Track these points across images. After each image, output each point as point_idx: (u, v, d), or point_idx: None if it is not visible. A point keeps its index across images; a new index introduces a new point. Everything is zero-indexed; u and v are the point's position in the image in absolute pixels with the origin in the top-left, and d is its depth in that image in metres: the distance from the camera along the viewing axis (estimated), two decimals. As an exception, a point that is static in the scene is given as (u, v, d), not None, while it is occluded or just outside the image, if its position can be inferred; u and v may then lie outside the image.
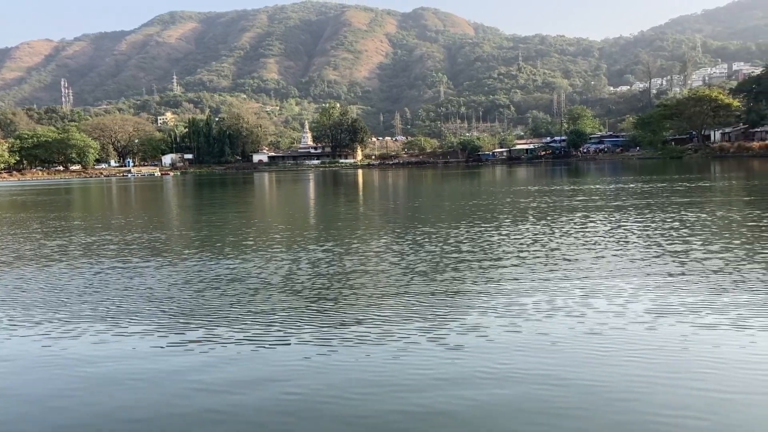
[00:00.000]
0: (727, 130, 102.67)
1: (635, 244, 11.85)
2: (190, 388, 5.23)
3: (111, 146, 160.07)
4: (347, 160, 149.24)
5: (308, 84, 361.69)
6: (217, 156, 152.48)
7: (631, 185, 31.27)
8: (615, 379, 5.13)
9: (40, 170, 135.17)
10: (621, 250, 11.22)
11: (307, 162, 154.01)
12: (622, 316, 6.89)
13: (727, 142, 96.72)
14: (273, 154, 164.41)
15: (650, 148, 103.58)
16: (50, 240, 15.85)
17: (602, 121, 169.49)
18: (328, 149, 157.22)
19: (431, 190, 37.36)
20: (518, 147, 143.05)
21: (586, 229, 14.26)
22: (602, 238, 12.72)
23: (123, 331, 6.96)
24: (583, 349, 5.86)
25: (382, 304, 7.81)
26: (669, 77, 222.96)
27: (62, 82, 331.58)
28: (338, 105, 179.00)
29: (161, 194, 45.80)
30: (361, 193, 36.79)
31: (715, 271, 9.01)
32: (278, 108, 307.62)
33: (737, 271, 9.01)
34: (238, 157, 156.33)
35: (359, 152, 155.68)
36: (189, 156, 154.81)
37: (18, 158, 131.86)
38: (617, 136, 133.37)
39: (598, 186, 32.66)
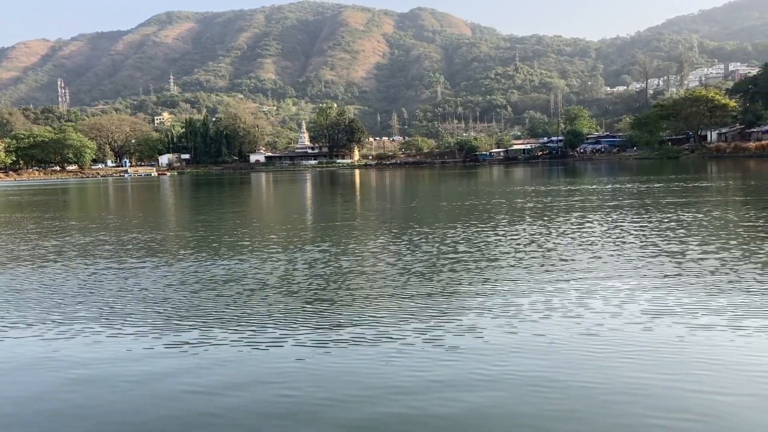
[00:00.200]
0: (724, 130, 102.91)
1: (632, 244, 11.85)
2: (184, 391, 5.20)
3: (108, 146, 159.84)
4: (344, 161, 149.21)
5: (305, 84, 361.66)
6: (214, 156, 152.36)
7: (628, 185, 31.29)
8: (612, 381, 5.11)
9: (37, 170, 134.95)
10: (617, 250, 11.20)
11: (304, 162, 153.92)
12: (618, 316, 6.88)
13: (723, 143, 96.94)
14: (270, 154, 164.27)
15: (647, 149, 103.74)
16: (45, 240, 15.80)
17: (599, 122, 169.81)
18: (325, 149, 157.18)
19: (428, 191, 37.35)
20: (515, 147, 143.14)
21: (583, 230, 14.25)
22: (599, 239, 12.71)
23: (117, 333, 6.92)
24: (579, 351, 5.84)
25: (378, 305, 7.79)
26: (666, 77, 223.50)
27: (59, 82, 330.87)
28: (335, 105, 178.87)
29: (158, 194, 45.72)
30: (357, 194, 36.75)
31: (711, 272, 9.00)
32: (275, 108, 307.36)
33: (734, 271, 9.00)
34: (235, 158, 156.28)
35: (356, 152, 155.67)
36: (186, 156, 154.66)
37: (14, 158, 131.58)
38: (614, 137, 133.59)
39: (594, 186, 32.67)
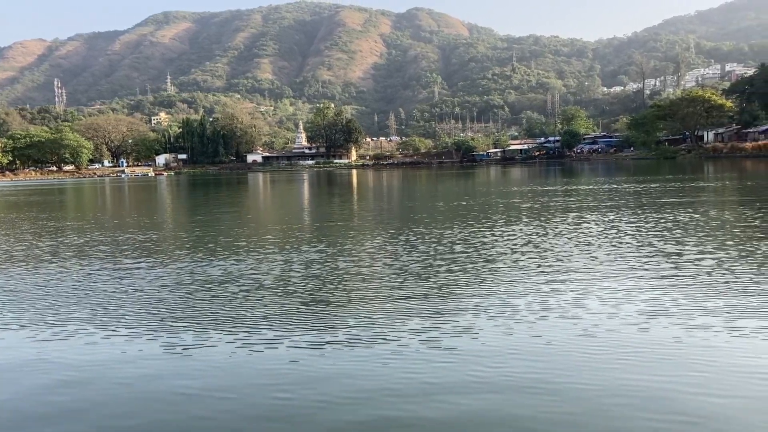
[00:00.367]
0: (720, 130, 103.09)
1: (628, 245, 11.83)
2: (177, 393, 5.16)
3: (104, 146, 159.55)
4: (342, 161, 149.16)
5: (302, 84, 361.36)
6: (211, 156, 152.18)
7: (625, 186, 31.31)
8: (608, 383, 5.08)
9: (33, 170, 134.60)
10: (614, 251, 11.19)
11: (301, 162, 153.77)
12: (614, 317, 6.86)
13: (720, 143, 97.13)
14: (267, 154, 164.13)
15: (644, 149, 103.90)
16: (41, 241, 15.73)
17: (596, 122, 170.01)
18: (322, 149, 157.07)
19: (425, 191, 37.34)
20: (512, 147, 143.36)
21: (580, 230, 14.24)
22: (595, 239, 12.69)
23: (111, 334, 6.87)
24: (576, 352, 5.81)
25: (373, 306, 7.75)
26: (662, 78, 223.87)
27: (55, 82, 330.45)
28: (332, 105, 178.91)
29: (155, 195, 45.63)
30: (355, 194, 36.72)
31: (708, 273, 8.99)
32: (272, 108, 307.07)
33: (730, 272, 8.99)
34: (232, 158, 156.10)
35: (354, 152, 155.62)
36: (183, 156, 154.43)
37: (11, 158, 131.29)
38: (611, 137, 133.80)
39: (591, 186, 32.69)
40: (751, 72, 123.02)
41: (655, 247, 11.43)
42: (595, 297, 7.80)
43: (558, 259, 10.49)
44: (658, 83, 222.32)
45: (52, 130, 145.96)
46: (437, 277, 9.30)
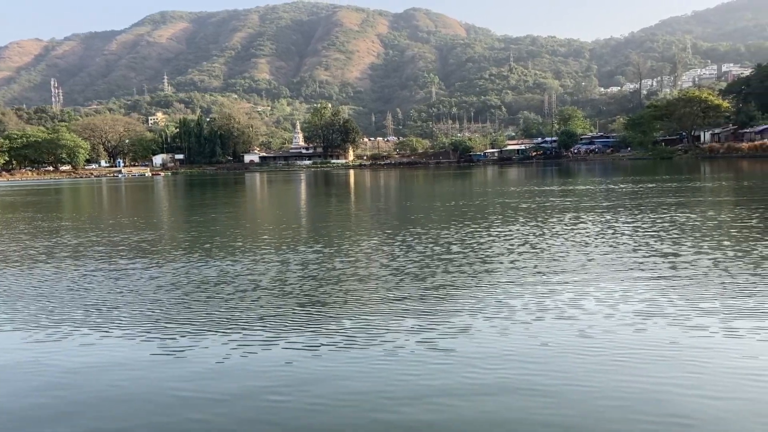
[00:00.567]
0: (717, 130, 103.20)
1: (625, 245, 11.83)
2: (171, 396, 5.13)
3: (101, 146, 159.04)
4: (339, 161, 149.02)
5: (300, 84, 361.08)
6: (208, 156, 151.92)
7: (622, 186, 31.33)
8: (604, 384, 5.06)
9: (30, 170, 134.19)
10: (611, 251, 11.18)
11: (298, 162, 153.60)
12: (611, 318, 6.85)
13: (716, 143, 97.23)
14: (264, 154, 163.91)
15: (640, 149, 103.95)
16: (36, 241, 15.68)
17: (593, 122, 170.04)
18: (319, 149, 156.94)
19: (422, 191, 37.32)
20: (509, 148, 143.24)
21: (576, 231, 14.23)
22: (592, 240, 12.69)
23: (106, 336, 6.83)
24: (572, 353, 5.79)
25: (370, 307, 7.73)
26: (659, 78, 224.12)
27: (52, 82, 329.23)
28: (330, 105, 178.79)
29: (151, 195, 45.55)
30: (352, 194, 36.70)
31: (705, 273, 8.99)
32: (269, 108, 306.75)
33: (726, 272, 8.99)
34: (229, 158, 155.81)
35: (351, 153, 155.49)
36: (180, 156, 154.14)
37: (7, 158, 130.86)
38: (608, 137, 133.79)
39: (588, 187, 32.70)
40: (747, 72, 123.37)
41: (652, 247, 11.43)
42: (592, 297, 7.79)
43: (554, 260, 10.48)
44: (654, 83, 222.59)
45: (49, 130, 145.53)
46: (434, 278, 9.27)
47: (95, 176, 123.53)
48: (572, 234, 13.68)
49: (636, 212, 17.73)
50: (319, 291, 8.69)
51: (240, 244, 14.03)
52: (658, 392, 4.85)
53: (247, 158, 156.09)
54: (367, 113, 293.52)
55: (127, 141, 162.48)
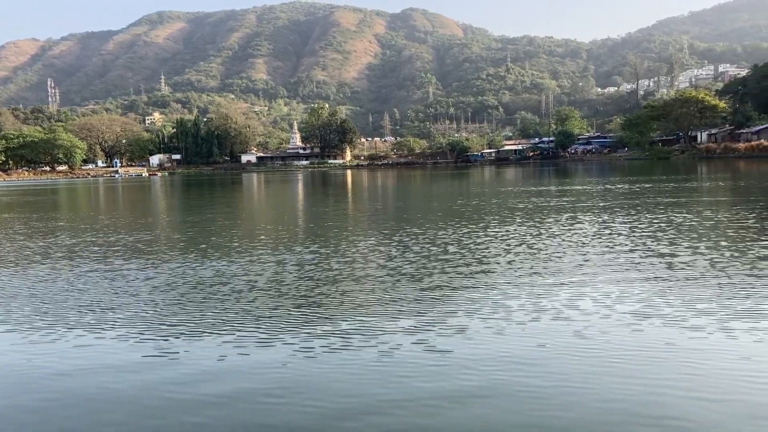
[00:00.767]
0: (714, 131, 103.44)
1: (622, 245, 11.82)
2: (167, 398, 5.09)
3: (98, 146, 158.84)
4: (336, 161, 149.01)
5: (297, 84, 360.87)
6: (205, 156, 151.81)
7: (618, 186, 31.36)
8: (600, 386, 5.04)
9: (26, 170, 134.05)
10: (608, 251, 11.17)
11: (295, 162, 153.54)
12: (608, 318, 6.84)
13: (713, 143, 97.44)
14: (261, 154, 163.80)
15: (637, 149, 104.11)
16: (32, 241, 15.62)
17: (590, 122, 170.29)
18: (316, 150, 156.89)
19: (420, 191, 37.32)
20: (507, 148, 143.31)
21: (573, 231, 14.23)
22: (589, 240, 12.68)
23: (100, 338, 6.79)
24: (569, 355, 5.77)
25: (366, 308, 7.70)
26: (656, 78, 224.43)
27: (49, 82, 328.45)
28: (327, 105, 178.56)
29: (148, 195, 45.47)
30: (349, 194, 36.68)
31: (702, 273, 8.98)
32: (267, 108, 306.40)
33: (723, 272, 8.98)
34: (226, 158, 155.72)
35: (348, 153, 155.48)
36: (177, 156, 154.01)
37: (3, 158, 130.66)
38: (605, 137, 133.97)
39: (585, 187, 32.72)
40: (744, 73, 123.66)
41: (648, 248, 11.43)
42: (588, 298, 7.78)
43: (551, 261, 10.47)
44: (651, 84, 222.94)
45: (46, 130, 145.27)
46: (431, 279, 9.25)
47: (92, 176, 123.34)
48: (569, 234, 13.67)
49: (633, 213, 17.73)
50: (315, 292, 8.67)
51: (236, 244, 14.00)
52: (654, 394, 4.83)
53: (245, 158, 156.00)
54: (365, 113, 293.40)
55: (124, 141, 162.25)
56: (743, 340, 6.03)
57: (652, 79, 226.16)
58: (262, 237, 15.40)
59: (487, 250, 11.74)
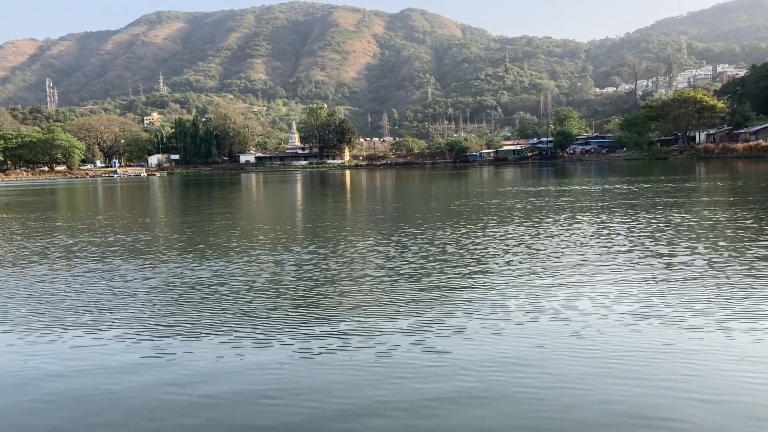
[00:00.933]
0: (712, 131, 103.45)
1: (620, 245, 11.82)
2: (164, 400, 5.08)
3: (97, 147, 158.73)
4: (335, 161, 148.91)
5: (295, 84, 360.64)
6: (203, 156, 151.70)
7: (617, 186, 31.36)
8: (598, 387, 5.04)
9: (25, 171, 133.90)
10: (606, 252, 11.17)
11: (294, 163, 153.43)
12: (606, 319, 6.83)
13: (711, 144, 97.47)
14: (260, 154, 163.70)
15: (636, 149, 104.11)
16: (30, 242, 15.59)
17: (588, 123, 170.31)
18: (315, 150, 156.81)
19: (418, 191, 37.32)
20: (505, 148, 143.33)
21: (572, 231, 14.22)
22: (587, 240, 12.68)
23: (98, 338, 6.77)
24: (567, 355, 5.77)
25: (365, 309, 7.69)
26: (654, 79, 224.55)
27: (47, 82, 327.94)
28: (326, 105, 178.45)
29: (147, 195, 45.43)
30: (348, 195, 36.66)
31: (700, 274, 8.97)
32: (265, 108, 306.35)
33: (722, 273, 8.98)
34: (225, 158, 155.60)
35: (347, 153, 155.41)
36: (175, 156, 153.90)
37: (2, 159, 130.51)
38: (603, 137, 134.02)
39: (583, 187, 32.73)
40: (742, 73, 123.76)
41: (647, 248, 11.42)
42: (587, 298, 7.77)
43: (549, 261, 10.46)
44: (650, 84, 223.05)
45: (44, 130, 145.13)
46: (429, 279, 9.25)
47: (90, 176, 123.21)
48: (567, 235, 13.66)
49: (631, 213, 17.73)
50: (313, 293, 8.66)
51: (234, 244, 13.98)
52: (652, 395, 4.82)
53: (243, 158, 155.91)
54: (363, 113, 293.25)
55: (122, 141, 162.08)
56: (741, 341, 6.03)
57: (650, 80, 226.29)
58: (260, 237, 15.39)
59: (485, 251, 11.73)
